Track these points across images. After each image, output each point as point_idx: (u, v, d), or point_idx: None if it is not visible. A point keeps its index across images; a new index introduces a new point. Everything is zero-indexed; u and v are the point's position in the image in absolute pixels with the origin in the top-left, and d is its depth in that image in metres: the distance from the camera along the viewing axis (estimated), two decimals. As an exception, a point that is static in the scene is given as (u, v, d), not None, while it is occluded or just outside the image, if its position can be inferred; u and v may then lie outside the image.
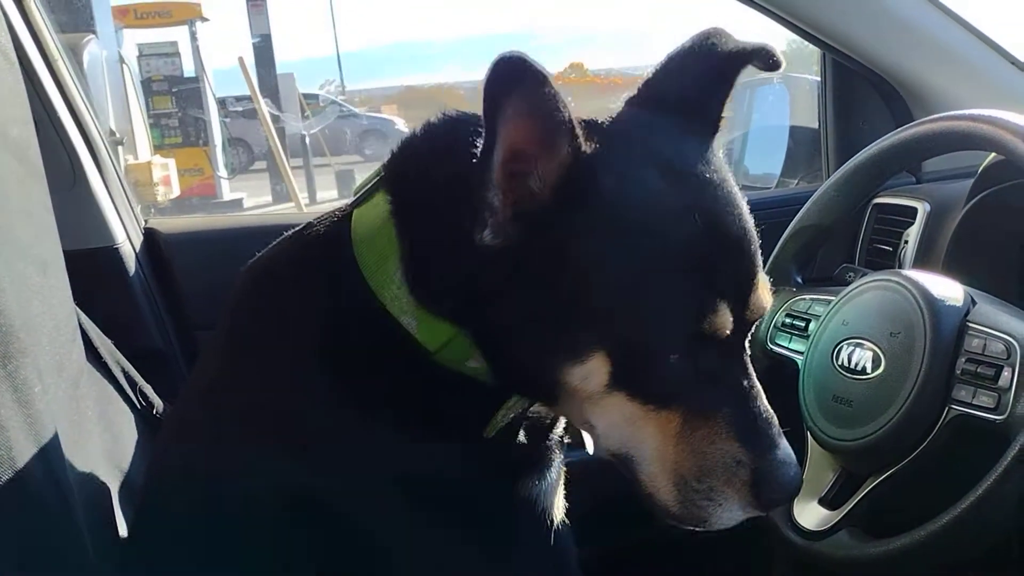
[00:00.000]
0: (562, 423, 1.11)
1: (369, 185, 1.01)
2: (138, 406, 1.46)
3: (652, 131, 0.95)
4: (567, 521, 1.11)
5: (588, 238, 0.86)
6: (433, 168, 0.94)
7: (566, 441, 1.15)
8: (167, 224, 1.98)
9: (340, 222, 1.02)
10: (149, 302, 1.84)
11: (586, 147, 0.85)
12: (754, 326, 0.97)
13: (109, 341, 1.46)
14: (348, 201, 1.04)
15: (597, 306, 0.87)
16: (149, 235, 1.92)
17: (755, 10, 1.84)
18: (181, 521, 0.98)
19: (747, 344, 0.96)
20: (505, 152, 0.81)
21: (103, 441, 1.29)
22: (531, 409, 1.03)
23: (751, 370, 0.96)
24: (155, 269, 1.88)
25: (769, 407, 0.95)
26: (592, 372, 0.88)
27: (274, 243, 1.07)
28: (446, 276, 0.92)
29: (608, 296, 0.87)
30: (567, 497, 1.13)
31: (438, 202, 0.92)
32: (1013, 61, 1.78)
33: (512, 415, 1.00)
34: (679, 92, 0.98)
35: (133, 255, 1.84)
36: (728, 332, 0.89)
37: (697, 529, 0.95)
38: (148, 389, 1.49)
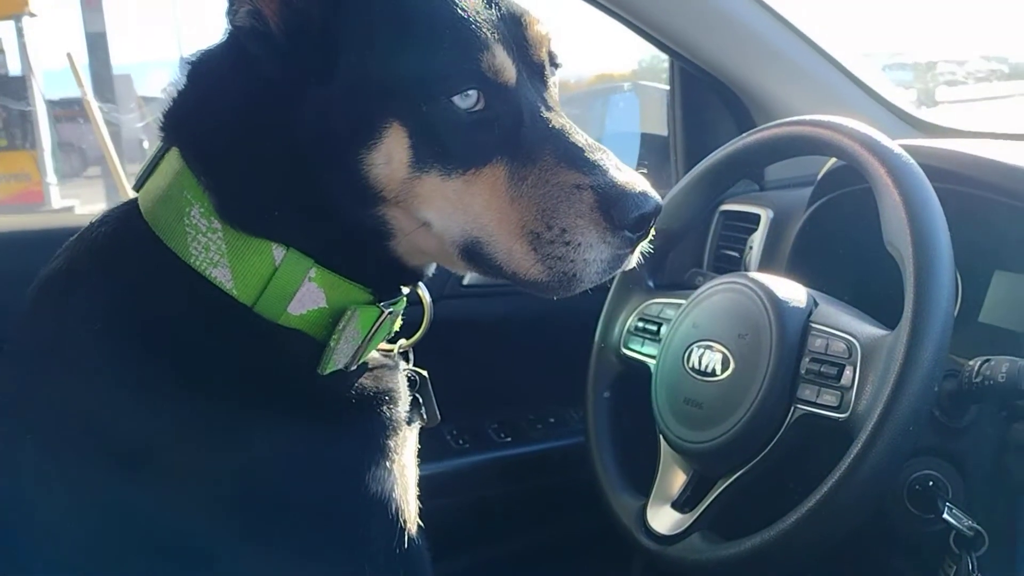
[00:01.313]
0: (405, 390, 1.05)
1: (150, 162, 0.98)
2: None
3: None
4: (422, 525, 1.05)
5: (353, 22, 0.88)
6: (209, 89, 0.96)
7: (419, 425, 1.11)
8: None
9: (123, 208, 0.99)
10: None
11: None
12: (548, 73, 0.99)
13: None
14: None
15: (375, 80, 0.88)
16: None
17: (603, 12, 1.84)
18: None
19: (554, 91, 0.99)
20: None
21: None
22: (370, 352, 1.01)
23: (567, 120, 0.96)
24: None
25: (596, 143, 0.95)
26: (393, 149, 0.88)
27: (60, 249, 0.99)
28: (255, 157, 0.91)
29: (382, 65, 0.88)
30: (423, 506, 1.07)
31: (224, 103, 0.93)
32: (846, 73, 1.86)
33: (346, 334, 0.94)
34: None
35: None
36: (514, 75, 0.92)
37: (574, 292, 0.93)
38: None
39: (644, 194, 0.91)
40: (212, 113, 0.95)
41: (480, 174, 0.91)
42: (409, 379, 1.14)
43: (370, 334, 0.97)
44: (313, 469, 0.93)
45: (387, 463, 0.97)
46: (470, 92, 0.89)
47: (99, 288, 0.93)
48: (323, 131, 0.90)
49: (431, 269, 1.06)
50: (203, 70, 0.98)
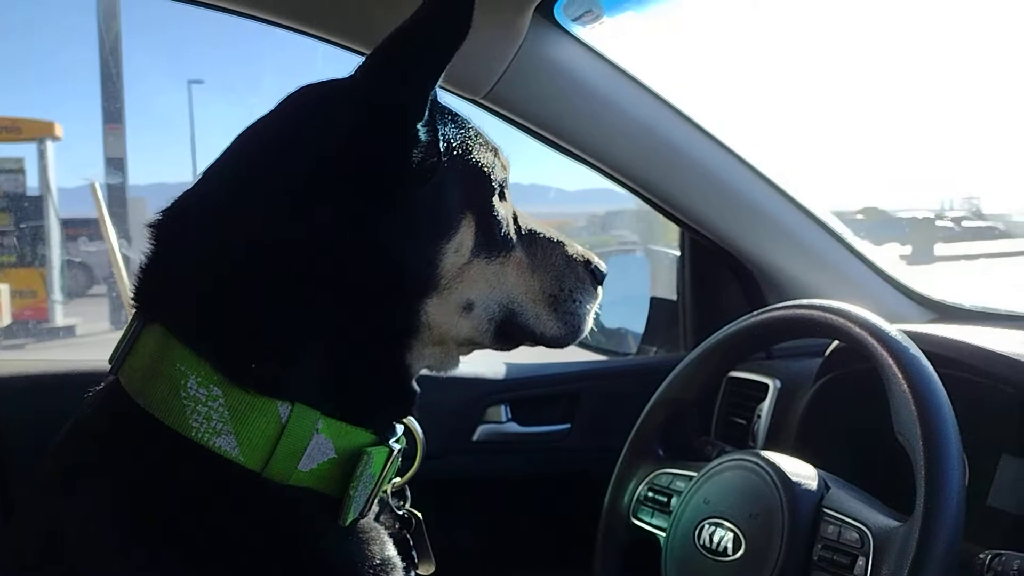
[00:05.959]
0: (394, 550, 1.02)
1: (125, 341, 0.95)
2: None
3: None
4: None
5: (452, 144, 1.03)
6: (206, 247, 0.93)
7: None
8: (-7, 366, 1.79)
9: (107, 394, 0.95)
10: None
11: None
12: None
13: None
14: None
15: (457, 183, 1.02)
16: (-31, 378, 1.74)
17: (618, 185, 1.93)
18: None
19: None
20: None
21: None
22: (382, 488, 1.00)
23: None
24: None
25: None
26: (464, 238, 1.02)
27: (58, 441, 0.96)
28: (279, 308, 0.92)
29: (462, 169, 1.04)
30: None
31: (239, 253, 0.92)
32: (852, 251, 1.94)
33: (363, 479, 0.94)
34: None
35: (-51, 400, 1.65)
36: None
37: (578, 340, 1.16)
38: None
39: (597, 260, 1.21)
40: (215, 270, 0.92)
41: (510, 256, 1.09)
42: (404, 519, 1.14)
43: (383, 475, 0.98)
44: None
45: None
46: (500, 191, 1.09)
47: (103, 484, 0.89)
48: (408, 230, 0.97)
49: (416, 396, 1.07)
50: (183, 230, 0.96)
